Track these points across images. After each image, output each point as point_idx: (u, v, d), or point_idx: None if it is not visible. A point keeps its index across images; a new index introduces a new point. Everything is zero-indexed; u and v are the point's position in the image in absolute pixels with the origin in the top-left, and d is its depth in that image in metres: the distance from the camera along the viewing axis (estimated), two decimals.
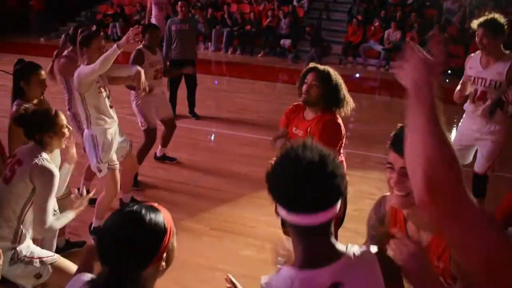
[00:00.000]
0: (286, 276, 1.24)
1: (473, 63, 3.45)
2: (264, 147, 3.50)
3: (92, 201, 4.19)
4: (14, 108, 3.05)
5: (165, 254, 1.32)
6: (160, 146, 5.27)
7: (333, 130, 2.79)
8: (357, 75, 10.92)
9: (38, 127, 2.56)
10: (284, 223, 1.30)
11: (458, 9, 12.42)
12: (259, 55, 12.29)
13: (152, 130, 4.78)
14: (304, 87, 2.81)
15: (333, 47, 12.10)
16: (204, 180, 4.96)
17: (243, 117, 7.03)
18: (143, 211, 1.31)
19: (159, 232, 1.30)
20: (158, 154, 5.32)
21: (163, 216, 1.35)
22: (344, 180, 1.23)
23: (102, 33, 3.76)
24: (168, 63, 6.04)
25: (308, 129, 2.79)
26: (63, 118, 2.64)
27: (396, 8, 12.54)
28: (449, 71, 10.83)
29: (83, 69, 3.43)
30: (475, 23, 3.28)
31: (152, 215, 1.32)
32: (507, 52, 3.28)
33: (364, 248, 1.30)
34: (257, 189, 4.40)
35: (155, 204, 1.38)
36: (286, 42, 12.29)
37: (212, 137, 6.46)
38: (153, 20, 8.49)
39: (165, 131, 5.16)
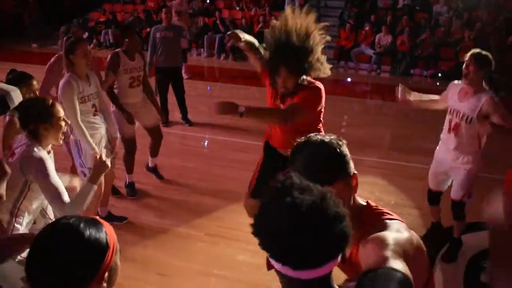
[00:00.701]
0: None
1: (453, 94, 3.54)
2: (258, 152, 3.53)
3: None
4: (7, 118, 3.06)
5: (106, 274, 1.16)
6: (149, 157, 5.08)
7: (311, 91, 2.90)
8: (349, 79, 11.01)
9: (34, 116, 2.42)
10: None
11: (447, 12, 12.56)
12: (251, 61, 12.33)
13: (128, 140, 4.59)
14: (280, 81, 2.86)
15: (325, 51, 12.17)
16: (198, 186, 4.98)
17: (237, 123, 7.05)
18: (82, 225, 1.15)
19: (100, 249, 1.15)
20: (150, 165, 5.13)
21: (105, 231, 1.19)
22: (346, 227, 1.03)
23: (86, 39, 3.75)
24: (152, 70, 6.00)
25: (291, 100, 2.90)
26: (60, 110, 2.52)
27: (386, 12, 12.65)
28: (440, 74, 10.99)
29: (63, 94, 3.49)
30: (467, 55, 3.40)
31: (92, 230, 1.16)
32: (487, 88, 3.38)
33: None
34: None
35: (97, 217, 1.24)
36: None
37: (206, 143, 6.48)
38: None
39: (151, 141, 4.94)
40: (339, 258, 1.05)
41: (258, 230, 1.06)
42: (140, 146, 4.84)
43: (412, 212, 4.49)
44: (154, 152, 5.03)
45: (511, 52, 10.80)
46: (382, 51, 11.61)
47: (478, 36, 11.27)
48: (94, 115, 3.72)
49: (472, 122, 3.36)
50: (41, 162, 2.35)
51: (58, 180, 2.38)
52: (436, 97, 3.78)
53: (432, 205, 3.94)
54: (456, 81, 3.64)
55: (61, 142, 2.56)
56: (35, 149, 2.38)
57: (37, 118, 2.42)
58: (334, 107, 8.30)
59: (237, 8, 13.77)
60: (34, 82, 3.10)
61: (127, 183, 4.80)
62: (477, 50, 3.40)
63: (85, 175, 3.69)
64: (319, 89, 2.94)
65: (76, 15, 14.63)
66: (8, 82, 3.05)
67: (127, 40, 4.43)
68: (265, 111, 3.09)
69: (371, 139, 6.45)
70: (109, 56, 4.46)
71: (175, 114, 7.01)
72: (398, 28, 11.87)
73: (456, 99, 3.48)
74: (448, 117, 3.57)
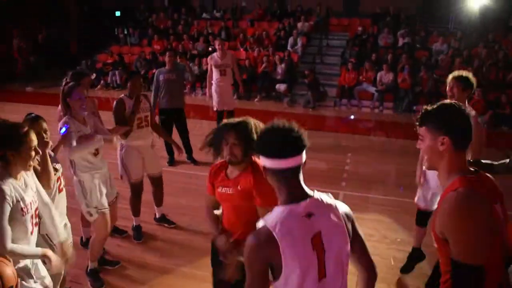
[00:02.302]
0: (277, 211, 1.74)
1: None
2: None
3: (86, 244, 4.26)
4: None
5: None
6: (155, 207, 5.08)
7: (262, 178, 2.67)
8: (352, 117, 11.13)
9: (2, 142, 2.38)
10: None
11: (447, 50, 12.81)
12: (256, 99, 12.53)
13: (135, 184, 4.64)
14: (226, 148, 2.57)
15: (327, 89, 12.40)
16: (204, 226, 4.97)
17: None
18: None
19: None
20: (157, 216, 5.10)
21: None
22: (305, 136, 1.78)
23: (94, 80, 3.86)
24: (156, 111, 6.13)
25: (239, 187, 2.62)
26: (34, 139, 2.47)
27: (387, 50, 12.92)
28: None
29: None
30: (449, 77, 3.55)
31: None
32: (471, 109, 3.46)
33: (323, 194, 1.81)
34: None
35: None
36: (281, 87, 12.58)
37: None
38: (214, 86, 7.61)
39: (153, 190, 4.92)
40: (303, 157, 1.77)
41: (259, 142, 1.84)
42: (146, 186, 4.88)
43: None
44: (159, 201, 5.03)
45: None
46: (384, 89, 11.78)
47: (477, 72, 11.46)
48: (95, 155, 3.78)
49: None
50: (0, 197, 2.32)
51: (5, 223, 2.31)
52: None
53: (419, 225, 4.00)
54: None
55: (30, 169, 2.52)
56: (0, 180, 2.36)
57: (6, 144, 2.38)
58: (337, 145, 8.38)
59: (241, 48, 14.10)
60: (42, 123, 3.10)
61: (133, 226, 4.80)
62: (458, 72, 3.54)
63: (91, 215, 3.73)
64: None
65: (84, 57, 15.04)
66: None
67: (129, 84, 4.54)
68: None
69: (376, 176, 6.45)
70: (115, 102, 4.56)
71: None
72: (399, 66, 12.10)
73: None
74: None
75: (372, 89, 11.99)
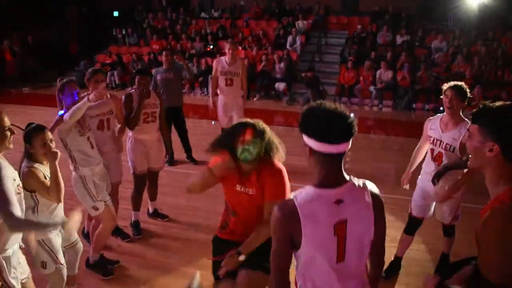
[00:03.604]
0: (308, 191, 1.77)
1: (434, 125, 3.69)
2: None
3: (86, 236, 4.27)
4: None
5: None
6: (149, 201, 5.11)
7: (281, 179, 2.62)
8: (352, 115, 11.10)
9: None
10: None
11: (446, 48, 12.80)
12: (255, 98, 12.52)
13: (139, 176, 4.71)
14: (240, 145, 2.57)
15: (326, 88, 12.37)
16: (204, 225, 4.97)
17: None
18: None
19: None
20: (150, 210, 5.14)
21: None
22: (355, 123, 1.75)
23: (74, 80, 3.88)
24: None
25: (258, 185, 2.63)
26: (5, 120, 2.54)
27: (386, 48, 12.91)
28: (441, 108, 11.08)
29: (59, 129, 3.67)
30: (445, 86, 3.55)
31: None
32: (465, 119, 3.52)
33: (361, 180, 1.83)
34: None
35: None
36: (280, 86, 12.55)
37: None
38: (220, 97, 6.63)
39: (148, 183, 4.91)
40: (349, 144, 1.76)
41: (305, 120, 1.78)
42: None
43: (420, 247, 4.45)
44: (153, 195, 5.08)
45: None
46: (383, 87, 11.76)
47: (477, 70, 11.47)
48: (91, 148, 3.81)
49: (455, 152, 3.51)
50: None
51: (10, 188, 2.43)
52: (419, 151, 3.93)
53: (407, 234, 3.99)
54: (430, 117, 3.81)
55: (11, 146, 2.57)
56: None
57: None
58: None
59: (240, 48, 14.09)
60: (46, 133, 3.03)
61: (132, 221, 4.81)
62: (454, 83, 3.53)
63: (97, 209, 3.73)
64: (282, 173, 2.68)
65: (83, 58, 15.03)
66: (23, 137, 3.07)
67: (136, 80, 4.60)
68: (254, 239, 2.64)
69: (376, 175, 6.43)
70: (123, 97, 4.60)
71: (179, 153, 7.06)
72: (398, 64, 12.08)
73: (439, 130, 3.62)
74: (430, 146, 3.71)
75: (371, 88, 11.98)
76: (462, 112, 3.56)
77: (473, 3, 12.99)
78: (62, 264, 3.13)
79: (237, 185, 2.71)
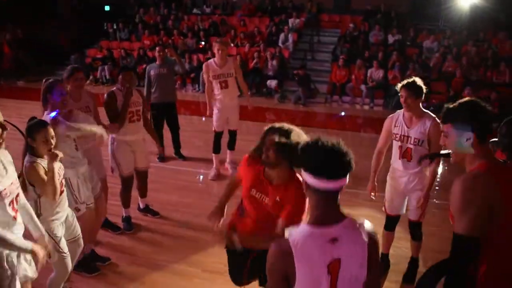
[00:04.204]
0: (303, 229, 1.76)
1: (397, 122, 3.70)
2: None
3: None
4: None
5: None
6: (139, 198, 5.09)
7: (303, 200, 2.50)
8: (343, 113, 11.15)
9: None
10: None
11: (437, 47, 12.88)
12: None
13: (126, 178, 4.66)
14: (264, 149, 2.58)
15: (318, 86, 12.40)
16: (194, 222, 4.96)
17: (232, 157, 7.09)
18: None
19: None
20: (141, 206, 5.12)
21: None
22: (353, 160, 1.76)
23: (62, 80, 3.83)
24: (148, 107, 6.05)
25: (278, 198, 2.60)
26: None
27: (378, 47, 12.95)
28: (431, 107, 11.15)
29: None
30: (398, 85, 3.58)
31: None
32: (426, 111, 3.59)
33: (358, 219, 1.81)
34: None
35: None
36: (272, 83, 12.55)
37: (201, 178, 6.47)
38: (216, 103, 6.18)
39: (137, 184, 4.90)
40: (347, 180, 1.75)
41: (303, 156, 1.80)
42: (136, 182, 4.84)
43: (408, 245, 4.47)
44: (143, 193, 5.07)
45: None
46: (374, 85, 11.81)
47: (466, 70, 11.56)
48: (76, 149, 3.71)
49: (423, 145, 3.56)
50: None
51: None
52: (380, 156, 3.99)
53: (388, 230, 4.03)
54: (390, 115, 3.82)
55: (2, 146, 2.50)
56: None
57: None
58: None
59: (232, 44, 14.04)
60: (49, 129, 3.03)
61: (123, 217, 4.80)
62: (406, 81, 3.56)
63: (78, 210, 3.68)
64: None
65: (73, 52, 14.89)
66: (25, 130, 3.03)
67: (120, 77, 4.51)
68: (255, 241, 2.67)
69: (366, 172, 6.45)
70: (106, 95, 4.51)
71: (168, 149, 7.04)
72: (389, 63, 12.13)
73: (404, 126, 3.64)
74: (397, 144, 3.72)
75: (362, 86, 12.02)
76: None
77: (464, 4, 13.07)
78: (65, 253, 3.14)
79: (252, 189, 2.72)
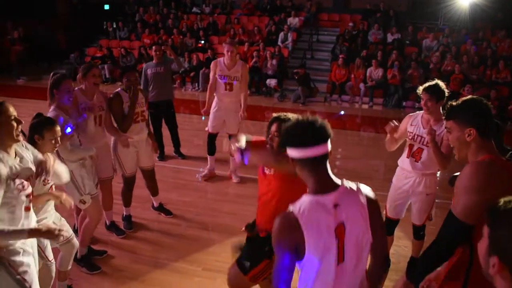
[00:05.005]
0: (306, 199, 1.82)
1: (415, 122, 3.71)
2: (253, 186, 3.55)
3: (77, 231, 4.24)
4: None
5: None
6: (152, 197, 5.13)
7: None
8: (342, 112, 11.16)
9: None
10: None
11: (437, 47, 12.89)
12: None
13: (128, 178, 4.67)
14: (269, 137, 2.77)
15: (317, 85, 12.41)
16: (195, 221, 4.97)
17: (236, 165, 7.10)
18: None
19: None
20: (155, 205, 5.16)
21: None
22: (328, 126, 1.85)
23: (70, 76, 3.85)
24: (146, 106, 6.05)
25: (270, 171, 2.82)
26: (10, 109, 2.39)
27: (377, 46, 12.96)
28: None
29: None
30: (420, 89, 3.57)
31: None
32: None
33: (353, 183, 1.91)
34: None
35: None
36: (272, 82, 12.56)
37: (200, 177, 6.47)
38: (214, 103, 6.02)
39: (146, 182, 4.96)
40: (329, 145, 1.84)
41: (285, 136, 1.88)
42: (138, 181, 4.85)
43: (408, 244, 4.49)
44: (154, 191, 5.08)
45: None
46: (373, 84, 11.82)
47: (466, 69, 11.58)
48: (80, 145, 3.79)
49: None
50: None
51: None
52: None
53: (387, 235, 4.01)
54: (411, 114, 3.82)
55: (20, 139, 2.44)
56: None
57: None
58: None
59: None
60: (57, 128, 3.05)
61: (124, 216, 4.82)
62: (428, 84, 3.55)
63: (84, 202, 3.72)
64: None
65: (73, 51, 14.88)
66: (32, 126, 3.03)
67: (125, 79, 4.48)
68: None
69: (365, 171, 6.49)
70: (111, 96, 4.45)
71: (168, 148, 7.05)
72: (389, 62, 12.14)
73: (420, 126, 3.65)
74: (409, 142, 3.72)
75: (361, 85, 12.04)
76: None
77: (464, 2, 13.08)
78: (50, 261, 3.10)
79: (266, 168, 2.87)
